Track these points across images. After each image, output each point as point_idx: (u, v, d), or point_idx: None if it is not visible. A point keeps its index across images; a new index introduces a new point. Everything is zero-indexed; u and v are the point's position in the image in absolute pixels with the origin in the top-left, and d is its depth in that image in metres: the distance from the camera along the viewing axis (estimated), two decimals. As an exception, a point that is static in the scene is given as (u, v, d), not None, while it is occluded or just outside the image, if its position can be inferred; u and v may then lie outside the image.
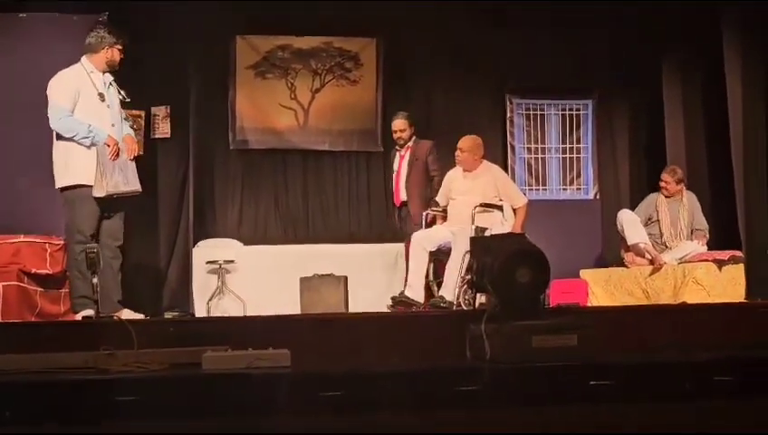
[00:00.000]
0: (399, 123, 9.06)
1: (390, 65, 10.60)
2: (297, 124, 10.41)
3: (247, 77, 10.36)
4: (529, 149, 10.86)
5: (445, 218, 8.71)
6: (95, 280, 6.51)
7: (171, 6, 9.49)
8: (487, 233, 7.82)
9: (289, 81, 10.41)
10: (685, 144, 10.13)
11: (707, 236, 9.21)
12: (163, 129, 9.97)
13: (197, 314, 9.28)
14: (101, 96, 7.10)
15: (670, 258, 8.88)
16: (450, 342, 5.66)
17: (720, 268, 8.58)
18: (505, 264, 5.51)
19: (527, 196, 9.08)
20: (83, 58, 7.18)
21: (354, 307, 8.74)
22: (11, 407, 4.52)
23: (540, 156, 10.88)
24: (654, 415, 4.72)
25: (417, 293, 8.17)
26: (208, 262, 9.53)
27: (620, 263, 9.23)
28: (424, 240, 8.35)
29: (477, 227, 8.02)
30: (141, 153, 7.44)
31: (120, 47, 7.24)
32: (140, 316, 7.03)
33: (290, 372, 5.02)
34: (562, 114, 10.93)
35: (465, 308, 7.65)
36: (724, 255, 8.71)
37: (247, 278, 9.52)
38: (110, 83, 7.24)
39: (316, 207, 10.49)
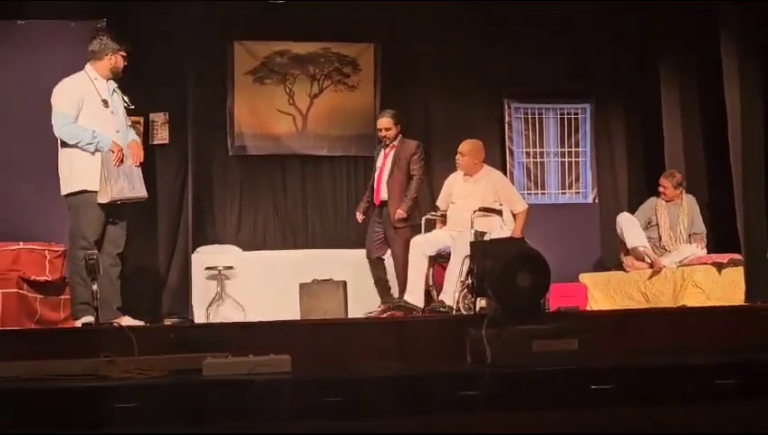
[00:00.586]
0: (385, 121, 8.88)
1: (388, 70, 10.59)
2: (295, 130, 10.40)
3: (245, 83, 10.35)
4: (528, 154, 10.86)
5: (444, 223, 8.70)
6: (95, 287, 6.50)
7: (169, 12, 9.50)
8: (487, 237, 7.79)
9: (287, 86, 10.40)
10: (683, 147, 10.12)
11: (705, 240, 9.20)
12: (162, 135, 9.98)
13: (197, 321, 9.27)
14: (105, 103, 7.11)
15: (669, 262, 8.88)
16: (450, 346, 5.67)
17: (719, 271, 8.59)
18: (506, 268, 5.51)
19: (526, 200, 9.06)
20: (87, 65, 7.18)
21: (353, 312, 8.73)
22: (11, 414, 4.51)
23: (538, 160, 10.87)
24: (655, 419, 4.71)
25: (416, 298, 8.16)
26: (207, 268, 9.51)
27: (620, 266, 9.23)
28: (423, 245, 8.35)
29: (477, 231, 8.00)
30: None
31: (123, 54, 7.25)
32: (140, 323, 7.02)
33: (290, 377, 5.02)
34: (561, 118, 10.93)
35: (465, 313, 7.65)
36: (724, 258, 8.70)
37: (247, 284, 9.49)
38: (114, 90, 7.25)
39: (315, 212, 10.47)
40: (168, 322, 9.14)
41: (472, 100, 10.71)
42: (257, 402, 4.72)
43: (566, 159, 10.92)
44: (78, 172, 6.96)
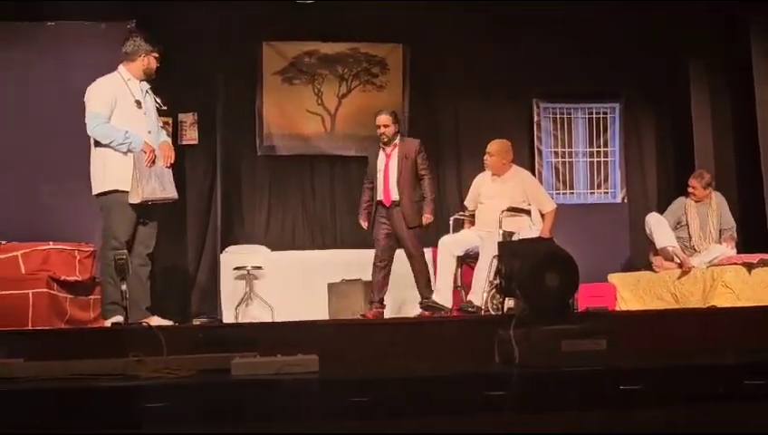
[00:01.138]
0: (384, 118, 8.71)
1: (417, 70, 10.60)
2: (324, 130, 10.44)
3: (274, 83, 10.40)
4: (556, 153, 10.85)
5: (473, 223, 8.68)
6: (124, 287, 6.53)
7: (198, 13, 9.54)
8: (515, 237, 7.76)
9: (316, 86, 10.45)
10: (713, 147, 10.09)
11: (735, 236, 9.14)
12: (190, 135, 10.04)
13: (226, 320, 9.30)
14: (138, 103, 7.13)
15: (699, 262, 8.82)
16: (478, 346, 5.64)
17: (749, 271, 8.52)
18: (534, 268, 5.49)
19: (555, 200, 9.02)
20: (120, 66, 7.20)
21: (381, 312, 8.74)
22: (40, 414, 4.54)
23: (567, 160, 10.86)
24: (684, 419, 4.68)
25: (444, 298, 8.15)
26: (236, 268, 9.55)
27: (649, 267, 9.17)
28: (451, 245, 8.34)
29: (505, 231, 7.99)
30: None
31: (156, 55, 7.27)
32: (169, 323, 7.05)
33: (318, 377, 5.02)
34: (589, 118, 10.91)
35: (493, 313, 7.63)
36: (754, 258, 8.64)
37: (275, 284, 9.53)
38: (147, 91, 7.27)
39: (343, 212, 10.49)
40: (196, 322, 9.19)
41: (500, 100, 10.72)
42: (285, 402, 4.72)
43: (595, 159, 10.89)
44: (110, 172, 6.98)
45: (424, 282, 8.52)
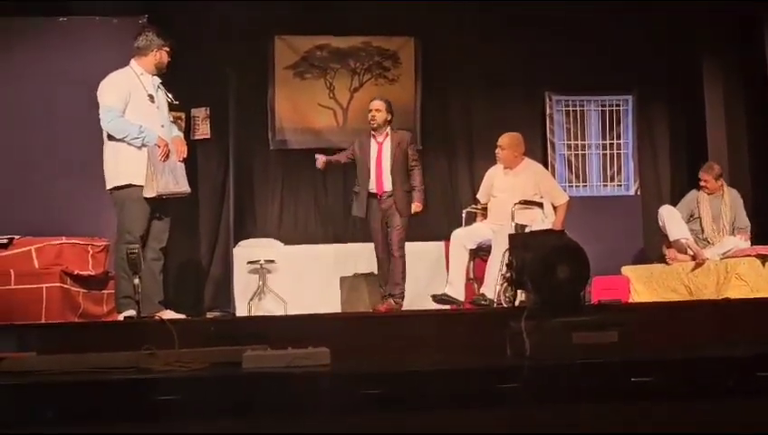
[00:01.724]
0: (377, 103, 8.69)
1: (429, 64, 10.59)
2: (336, 124, 10.45)
3: (286, 77, 10.41)
4: (569, 146, 10.83)
5: (485, 216, 8.68)
6: (136, 280, 6.55)
7: (210, 8, 9.56)
8: (527, 230, 7.78)
9: (327, 80, 10.46)
10: (726, 139, 10.06)
11: (749, 234, 9.11)
12: (203, 130, 10.05)
13: (239, 314, 9.31)
14: (151, 98, 7.15)
15: (712, 254, 8.80)
16: (491, 339, 5.63)
17: (763, 263, 8.51)
18: (545, 260, 5.49)
19: (567, 192, 9.00)
20: (132, 61, 7.22)
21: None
22: (53, 407, 4.56)
23: (580, 152, 10.84)
24: (695, 411, 4.67)
25: (457, 291, 8.14)
26: (249, 262, 9.57)
27: (662, 259, 9.15)
28: (464, 238, 8.33)
29: (517, 224, 7.99)
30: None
31: (167, 49, 7.29)
32: (182, 317, 7.06)
33: (330, 370, 5.03)
34: (602, 110, 10.89)
35: (506, 306, 7.62)
36: (768, 250, 8.64)
37: (288, 278, 9.55)
38: (159, 85, 7.29)
39: (356, 206, 10.48)
40: (209, 316, 9.20)
41: (513, 92, 10.71)
42: (297, 395, 4.73)
43: (608, 152, 10.88)
44: (124, 166, 7.00)
45: (399, 277, 8.52)
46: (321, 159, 8.75)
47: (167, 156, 7.02)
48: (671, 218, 8.99)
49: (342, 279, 9.16)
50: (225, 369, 5.11)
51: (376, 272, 8.80)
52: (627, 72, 10.77)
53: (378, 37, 10.53)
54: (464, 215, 8.87)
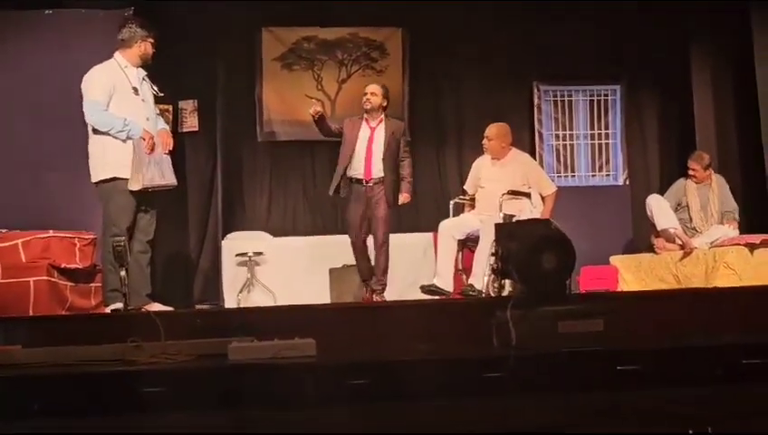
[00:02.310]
0: (373, 87, 8.56)
1: (417, 54, 10.58)
2: (324, 115, 10.40)
3: (274, 69, 10.39)
4: (557, 136, 10.83)
5: (473, 206, 8.68)
6: (123, 273, 6.54)
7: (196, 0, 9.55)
8: (515, 220, 7.78)
9: (315, 72, 10.44)
10: (714, 127, 10.08)
11: (737, 218, 9.12)
12: (191, 123, 10.05)
13: (228, 307, 9.30)
14: (136, 90, 7.13)
15: (701, 243, 8.80)
16: (478, 329, 5.64)
17: (752, 252, 8.51)
18: (530, 249, 5.50)
19: (556, 182, 9.00)
20: (116, 53, 7.20)
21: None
22: (39, 400, 4.56)
23: (568, 142, 10.85)
24: (682, 400, 4.68)
25: (445, 281, 8.13)
26: (238, 254, 9.55)
27: (651, 249, 9.16)
28: (452, 229, 8.33)
29: (505, 214, 7.98)
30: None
31: (152, 41, 7.27)
32: (169, 309, 7.06)
33: (315, 361, 5.03)
34: (590, 100, 10.90)
35: (493, 296, 7.63)
36: (756, 238, 8.63)
37: (277, 270, 9.54)
38: (144, 78, 7.27)
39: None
40: (198, 308, 9.19)
41: (501, 83, 10.70)
42: (282, 386, 4.73)
43: (596, 142, 10.89)
44: (109, 160, 6.99)
45: (383, 268, 8.43)
46: (316, 108, 8.42)
47: (152, 149, 7.01)
48: (659, 208, 8.99)
49: (331, 271, 9.15)
50: (211, 360, 5.12)
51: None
52: (615, 61, 10.78)
53: (365, 28, 10.51)
54: (452, 206, 8.88)
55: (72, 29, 8.86)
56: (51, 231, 7.78)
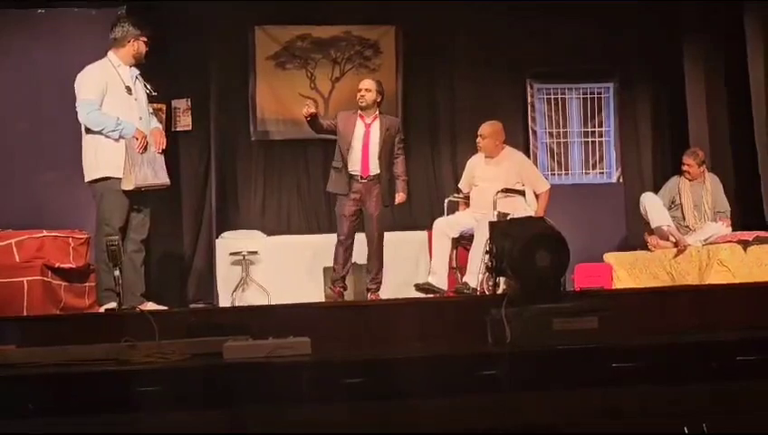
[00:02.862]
0: (368, 82, 8.54)
1: (410, 53, 10.57)
2: (318, 114, 10.40)
3: (267, 68, 10.37)
4: (551, 134, 10.83)
5: (467, 205, 8.68)
6: (117, 272, 6.53)
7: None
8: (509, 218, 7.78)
9: (309, 70, 10.42)
10: (707, 125, 10.08)
11: (729, 218, 9.13)
12: (184, 121, 10.03)
13: (222, 306, 9.29)
14: (129, 89, 7.12)
15: (694, 240, 8.81)
16: (473, 327, 5.64)
17: (745, 249, 8.52)
18: (524, 247, 5.50)
19: (550, 181, 8.99)
20: (110, 52, 7.19)
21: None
22: (34, 399, 4.55)
23: (562, 140, 10.84)
24: (678, 396, 4.69)
25: (440, 280, 8.15)
26: (232, 253, 9.53)
27: (645, 246, 9.16)
28: (446, 227, 8.34)
29: (500, 212, 8.00)
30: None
31: (145, 39, 7.25)
32: (163, 308, 7.06)
33: (311, 360, 5.03)
34: (584, 98, 10.89)
35: (488, 294, 7.63)
36: (749, 235, 8.65)
37: (271, 269, 9.51)
38: (137, 77, 7.26)
39: (338, 196, 10.46)
40: (192, 307, 9.19)
41: (495, 81, 10.68)
42: (278, 385, 4.73)
43: (590, 139, 10.88)
44: (102, 159, 6.99)
45: (378, 267, 8.45)
46: (309, 109, 8.38)
47: (144, 148, 7.01)
48: (653, 205, 9.00)
49: (326, 269, 9.14)
50: (206, 359, 5.11)
51: (359, 262, 8.73)
52: (608, 59, 10.77)
53: (358, 27, 10.48)
54: (446, 204, 8.90)
55: (65, 27, 8.86)
56: (44, 231, 7.79)
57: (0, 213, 8.17)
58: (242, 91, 10.37)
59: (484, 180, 8.48)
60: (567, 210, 9.06)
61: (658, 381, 4.84)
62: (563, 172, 10.81)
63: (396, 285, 8.79)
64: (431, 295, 7.95)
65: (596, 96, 10.89)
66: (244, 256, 9.45)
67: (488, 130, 8.54)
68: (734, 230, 8.98)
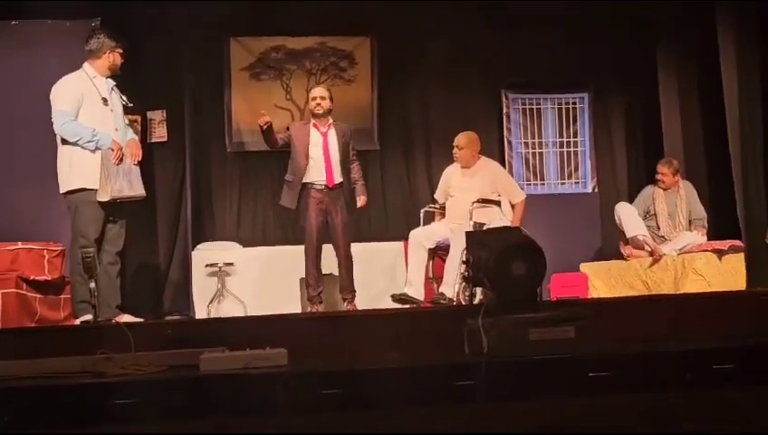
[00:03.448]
0: (320, 90, 8.45)
1: (385, 63, 10.58)
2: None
3: (242, 79, 10.36)
4: (526, 144, 10.85)
5: (443, 215, 8.69)
6: (92, 284, 6.50)
7: (164, 9, 9.51)
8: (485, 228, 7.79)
9: (284, 81, 10.41)
10: (681, 134, 10.13)
11: (706, 226, 9.19)
12: (160, 133, 10.00)
13: (199, 318, 9.26)
14: (105, 101, 7.12)
15: (670, 249, 8.86)
16: (449, 337, 5.65)
17: (720, 258, 8.57)
18: (501, 257, 5.52)
19: (525, 191, 9.01)
20: (85, 64, 7.19)
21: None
22: (10, 413, 4.52)
23: (537, 151, 10.86)
24: (653, 405, 4.70)
25: (417, 290, 8.13)
26: (208, 265, 9.50)
27: (620, 256, 9.20)
28: (422, 237, 8.34)
29: (476, 222, 8.01)
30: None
31: (120, 51, 7.26)
32: (139, 320, 7.03)
33: (287, 370, 5.03)
34: (558, 108, 10.91)
35: (464, 304, 7.63)
36: (724, 244, 8.70)
37: (247, 280, 9.49)
38: (113, 88, 7.25)
39: (314, 206, 10.44)
40: (168, 319, 9.14)
41: (470, 91, 10.70)
42: (254, 396, 4.72)
43: (565, 150, 10.91)
44: (77, 170, 6.97)
45: (350, 277, 8.41)
46: (264, 118, 8.19)
47: (120, 159, 7.00)
48: (627, 215, 9.05)
49: (302, 280, 9.11)
50: (183, 371, 5.10)
51: (335, 273, 8.69)
52: (582, 69, 10.82)
53: (333, 38, 10.49)
54: (422, 214, 8.90)
55: (40, 39, 8.79)
56: (19, 243, 7.75)
57: (-26, 226, 8.11)
58: (217, 103, 10.35)
59: (460, 191, 8.49)
60: (543, 220, 9.08)
61: (635, 390, 4.86)
62: (539, 182, 10.83)
63: (372, 295, 8.78)
64: (408, 306, 7.93)
65: (571, 106, 10.92)
66: (220, 267, 9.42)
67: (464, 140, 8.56)
68: (708, 239, 9.03)
